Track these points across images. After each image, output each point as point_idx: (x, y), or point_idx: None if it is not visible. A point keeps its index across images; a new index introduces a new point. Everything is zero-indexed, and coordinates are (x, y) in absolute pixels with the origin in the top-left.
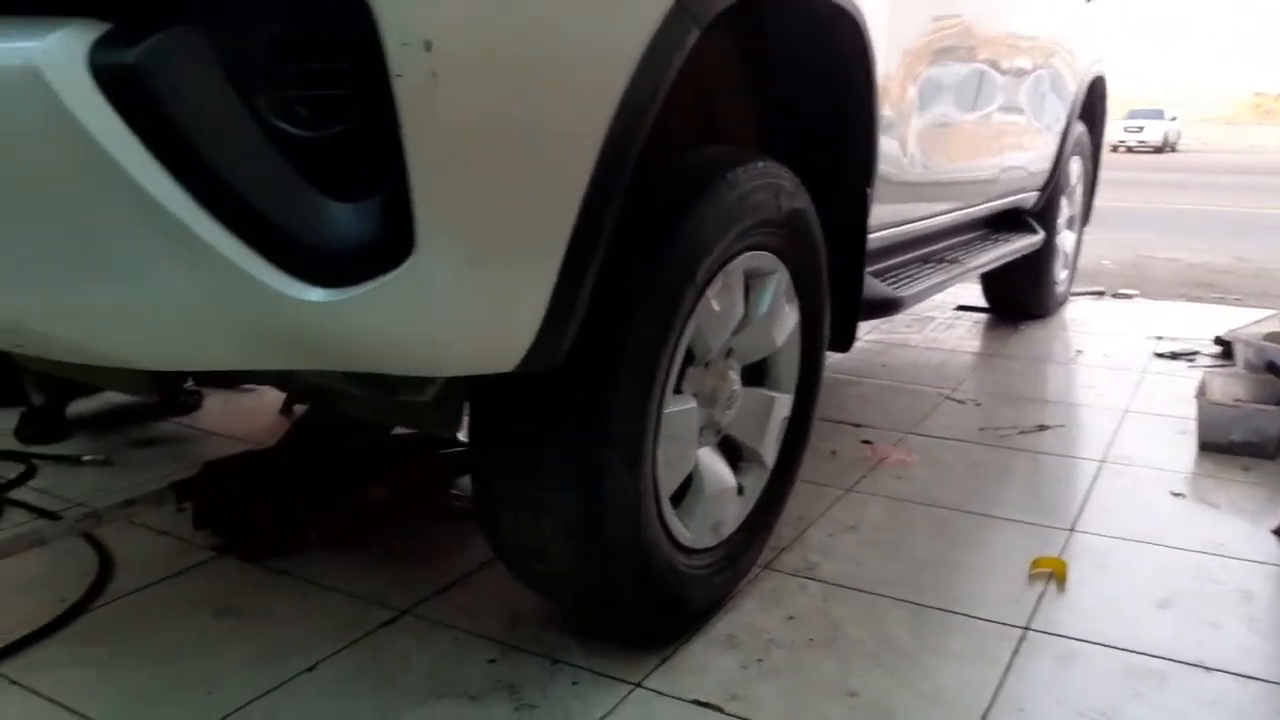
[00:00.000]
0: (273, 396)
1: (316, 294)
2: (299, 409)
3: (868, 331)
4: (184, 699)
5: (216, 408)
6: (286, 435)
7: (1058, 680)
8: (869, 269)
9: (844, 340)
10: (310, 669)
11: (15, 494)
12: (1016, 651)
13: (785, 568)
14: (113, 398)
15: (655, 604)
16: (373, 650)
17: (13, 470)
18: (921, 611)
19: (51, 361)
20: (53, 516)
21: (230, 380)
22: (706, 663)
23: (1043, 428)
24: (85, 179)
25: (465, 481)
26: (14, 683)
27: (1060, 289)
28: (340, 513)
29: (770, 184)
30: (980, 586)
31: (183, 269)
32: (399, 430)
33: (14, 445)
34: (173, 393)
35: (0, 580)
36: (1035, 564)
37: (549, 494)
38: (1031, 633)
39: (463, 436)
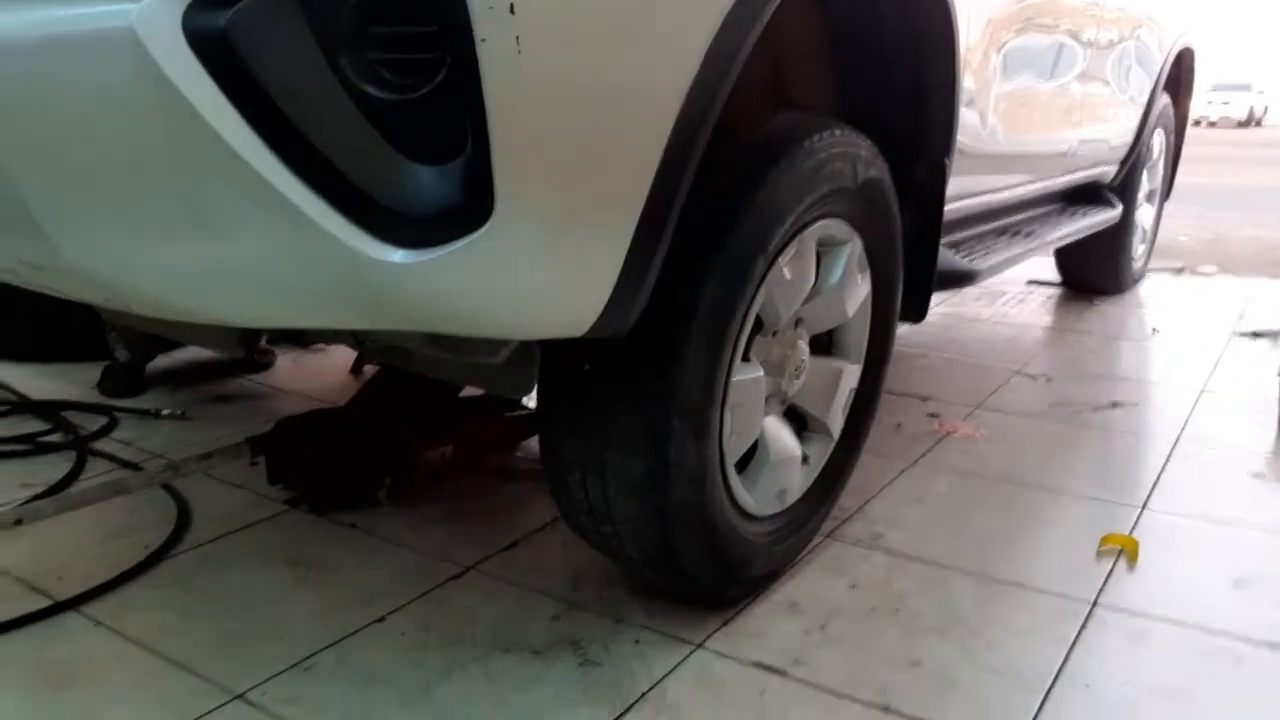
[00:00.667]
0: (342, 357)
1: (398, 255)
2: (368, 369)
3: (937, 305)
4: (259, 644)
5: (288, 367)
6: (357, 395)
7: (1127, 658)
8: (944, 240)
9: (917, 312)
10: (380, 620)
11: (98, 445)
12: (1084, 627)
13: (848, 538)
14: (190, 355)
15: (718, 568)
16: (439, 604)
17: (95, 422)
18: (987, 584)
19: (138, 316)
20: (134, 467)
21: (304, 340)
22: (769, 627)
23: (1116, 405)
24: (178, 139)
25: (529, 444)
26: (100, 624)
27: (1137, 265)
28: (408, 471)
29: (847, 152)
30: (1047, 562)
31: (269, 228)
32: (465, 393)
33: (96, 398)
34: (247, 351)
35: (85, 527)
36: (1105, 541)
37: (615, 457)
38: (1100, 609)
39: (529, 401)
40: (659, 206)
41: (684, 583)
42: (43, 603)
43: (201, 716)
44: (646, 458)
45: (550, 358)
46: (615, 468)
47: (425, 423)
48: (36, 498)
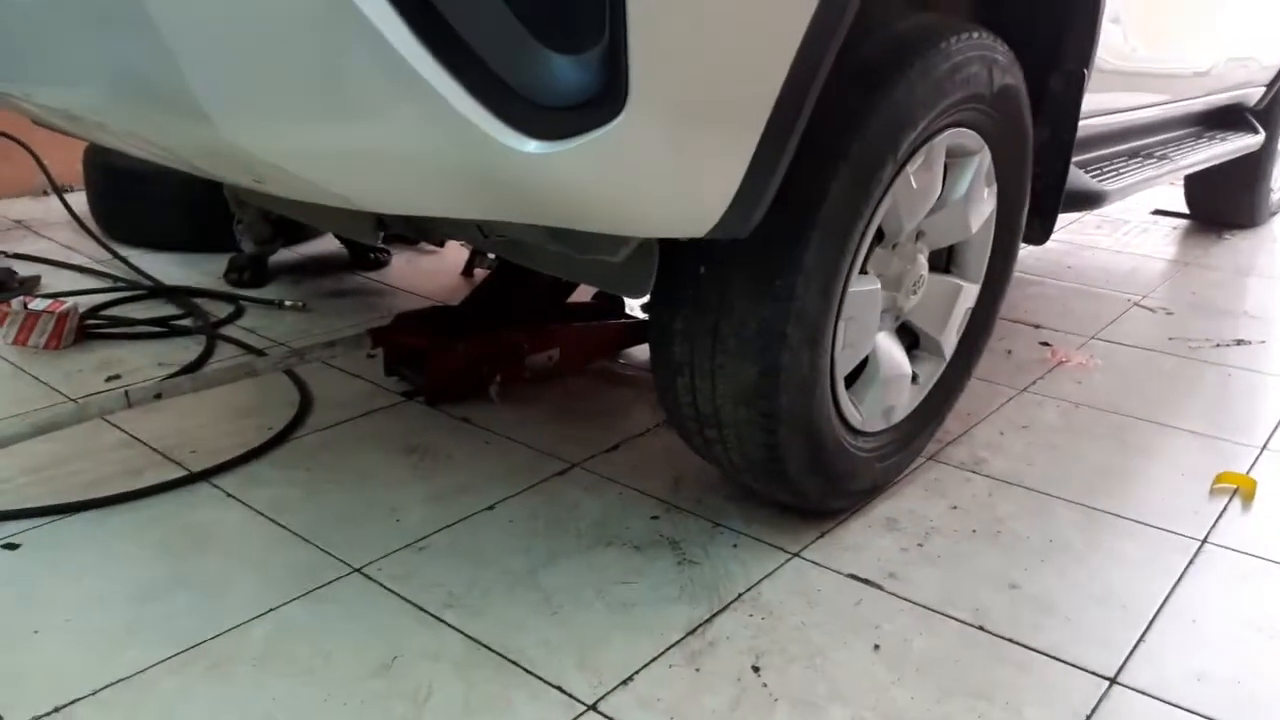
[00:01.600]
0: (454, 259)
1: (532, 145)
2: (478, 272)
3: (1057, 230)
4: (375, 523)
5: (402, 266)
6: (471, 296)
7: (1235, 596)
8: (1073, 159)
9: (1041, 232)
10: (490, 508)
11: (225, 331)
12: (1191, 563)
13: (951, 460)
14: (310, 250)
15: (821, 479)
16: (546, 497)
17: (223, 310)
18: (1092, 514)
19: (279, 200)
20: (259, 353)
21: (423, 237)
22: (866, 542)
23: (1240, 342)
24: (326, 20)
25: (631, 351)
26: (230, 495)
27: (1276, 197)
28: (517, 371)
29: (984, 57)
30: (1158, 496)
31: (410, 113)
32: (572, 299)
33: (223, 288)
34: (363, 249)
35: (214, 406)
36: (1219, 479)
37: (727, 361)
38: (1210, 546)
39: (635, 309)
40: (790, 105)
41: (786, 491)
42: (178, 473)
43: (323, 586)
44: (758, 363)
45: (667, 259)
46: (726, 371)
47: (534, 326)
48: (173, 375)
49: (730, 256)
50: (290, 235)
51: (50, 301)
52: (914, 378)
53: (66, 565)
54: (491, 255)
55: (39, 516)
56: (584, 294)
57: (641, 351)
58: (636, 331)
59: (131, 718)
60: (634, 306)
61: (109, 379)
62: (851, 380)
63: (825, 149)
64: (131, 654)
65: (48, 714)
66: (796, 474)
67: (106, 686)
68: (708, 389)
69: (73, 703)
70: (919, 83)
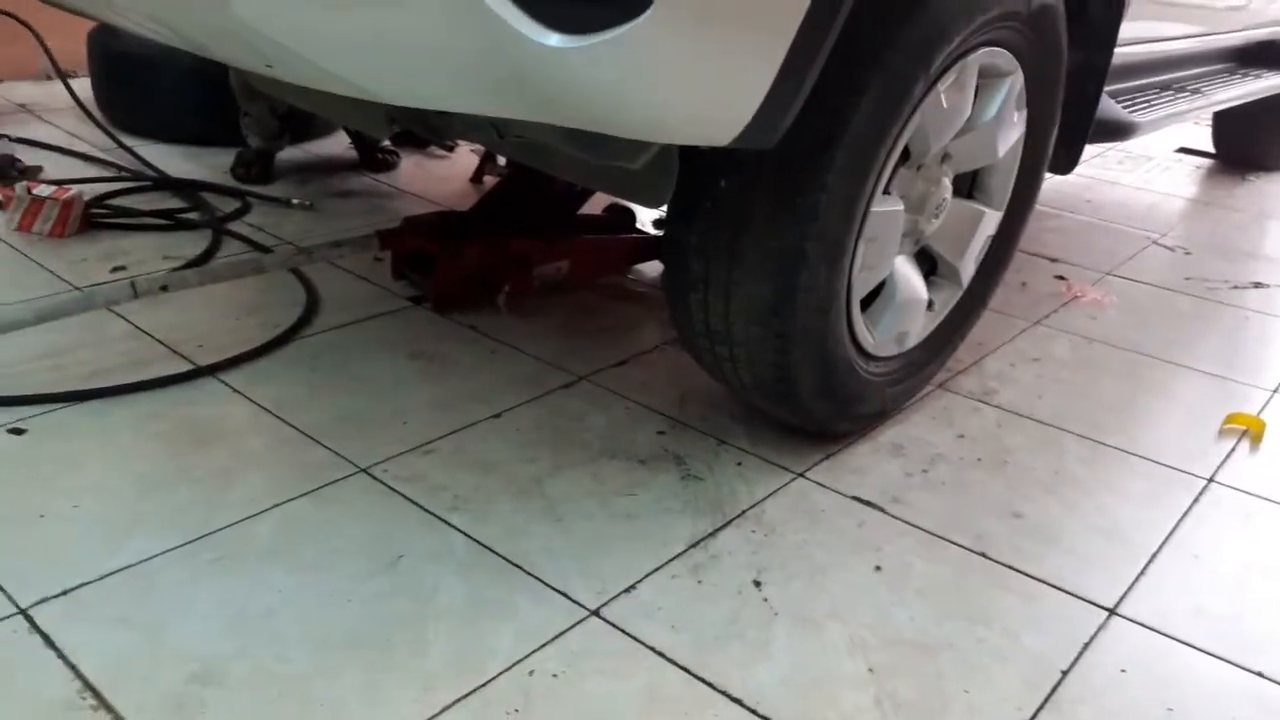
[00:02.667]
0: (463, 164)
1: (554, 39)
2: (488, 179)
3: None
4: (381, 425)
5: (411, 169)
6: (480, 202)
7: (1238, 534)
8: (1105, 88)
9: (1066, 162)
10: (496, 416)
11: (232, 227)
12: (1197, 501)
13: (960, 390)
14: (317, 149)
15: (830, 401)
16: (552, 408)
17: (229, 205)
18: (1099, 449)
19: (287, 88)
20: (266, 250)
21: (438, 134)
22: (871, 465)
23: (1258, 285)
24: None
25: (643, 268)
26: (235, 390)
27: None
28: (526, 281)
29: None
30: (1166, 434)
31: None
32: (583, 211)
33: (229, 183)
34: (372, 150)
35: (220, 302)
36: (1229, 419)
37: (742, 278)
38: (1216, 485)
39: (648, 226)
40: (824, 10)
41: (794, 412)
42: (184, 367)
43: (329, 484)
44: (775, 281)
45: (686, 171)
46: (741, 288)
47: (544, 236)
48: (180, 269)
49: (752, 170)
50: (298, 133)
51: (55, 188)
52: (930, 304)
53: (72, 453)
54: (502, 162)
55: (45, 403)
56: (595, 206)
57: (651, 268)
58: (648, 247)
59: (138, 604)
60: (645, 222)
61: (114, 269)
62: (866, 303)
63: (857, 61)
64: (137, 542)
65: (55, 596)
66: (806, 395)
67: (113, 573)
68: (721, 306)
69: (80, 586)
70: None
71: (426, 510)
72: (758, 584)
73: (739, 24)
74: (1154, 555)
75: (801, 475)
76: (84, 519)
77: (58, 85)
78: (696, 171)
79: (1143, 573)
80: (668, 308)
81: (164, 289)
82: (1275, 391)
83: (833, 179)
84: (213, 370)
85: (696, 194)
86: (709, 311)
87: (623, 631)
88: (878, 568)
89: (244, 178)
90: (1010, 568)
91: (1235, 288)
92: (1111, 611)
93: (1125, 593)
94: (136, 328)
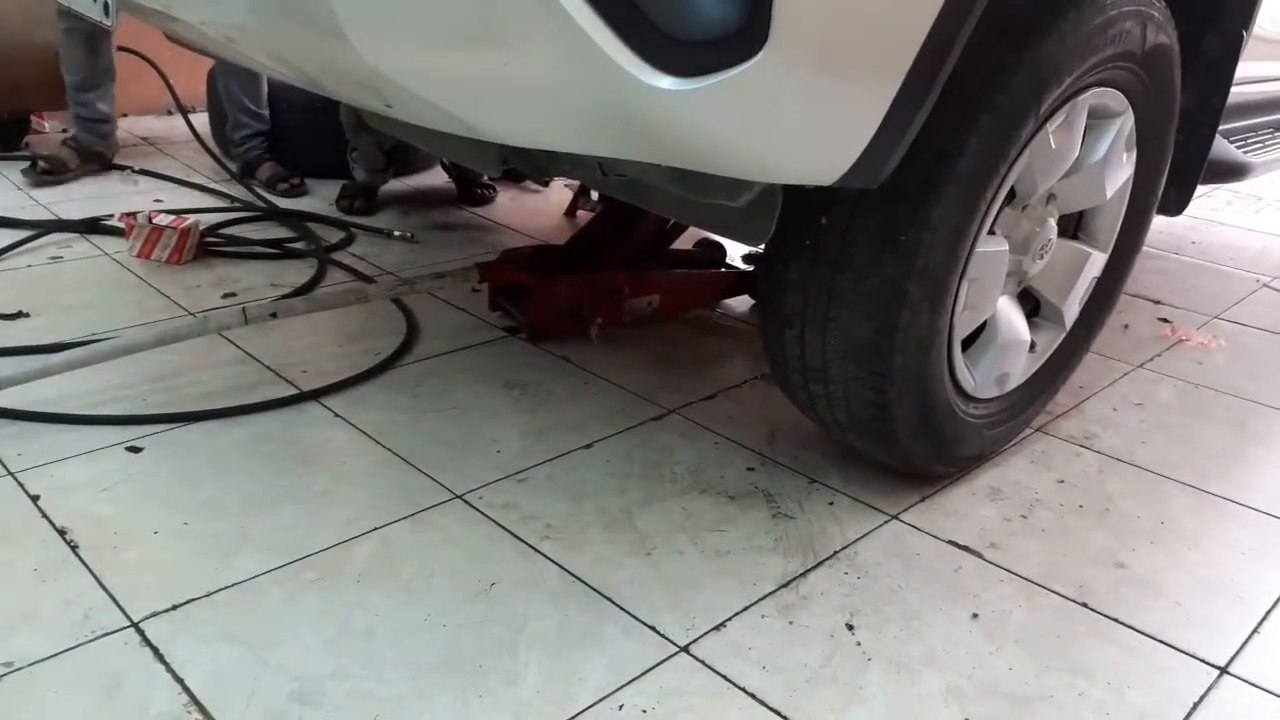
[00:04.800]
0: (558, 199)
1: (666, 82)
2: (582, 214)
3: None
4: (476, 452)
5: (507, 203)
6: (576, 236)
7: None
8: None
9: (1176, 203)
10: (588, 446)
11: (336, 257)
12: None
13: (1060, 433)
14: (418, 183)
15: (928, 442)
16: (642, 440)
17: (334, 236)
18: (1206, 499)
19: (402, 127)
20: (369, 280)
21: (543, 171)
22: (968, 509)
23: None
24: None
25: (731, 302)
26: (338, 415)
27: None
28: (618, 313)
29: (1139, 12)
30: (1277, 485)
31: (545, 42)
32: (675, 246)
33: (335, 214)
34: (471, 184)
35: (324, 329)
36: None
37: (841, 315)
38: None
39: (737, 261)
40: (934, 53)
41: (890, 453)
42: (290, 391)
43: (426, 509)
44: (875, 319)
45: (788, 206)
46: (840, 325)
47: (636, 270)
48: (288, 296)
49: (855, 207)
50: (400, 166)
51: (173, 218)
52: (1031, 345)
53: (185, 472)
54: (595, 196)
55: (161, 423)
56: (686, 242)
57: (740, 303)
58: (737, 282)
59: (242, 621)
60: (734, 257)
61: (225, 295)
62: (968, 343)
63: (966, 100)
64: (243, 561)
65: (165, 611)
66: (903, 436)
67: (220, 590)
68: (818, 343)
69: (189, 602)
70: (1069, 36)
71: (519, 538)
72: (850, 627)
73: (849, 65)
74: (1268, 613)
75: (895, 518)
76: (195, 536)
77: (179, 119)
78: (797, 208)
79: (1256, 630)
80: (763, 343)
81: (273, 316)
82: None
83: (937, 218)
84: (316, 395)
85: (796, 231)
86: (805, 348)
87: (712, 669)
88: (975, 615)
89: (349, 209)
90: (1113, 619)
91: None
92: (1223, 670)
93: (1237, 651)
94: (245, 352)
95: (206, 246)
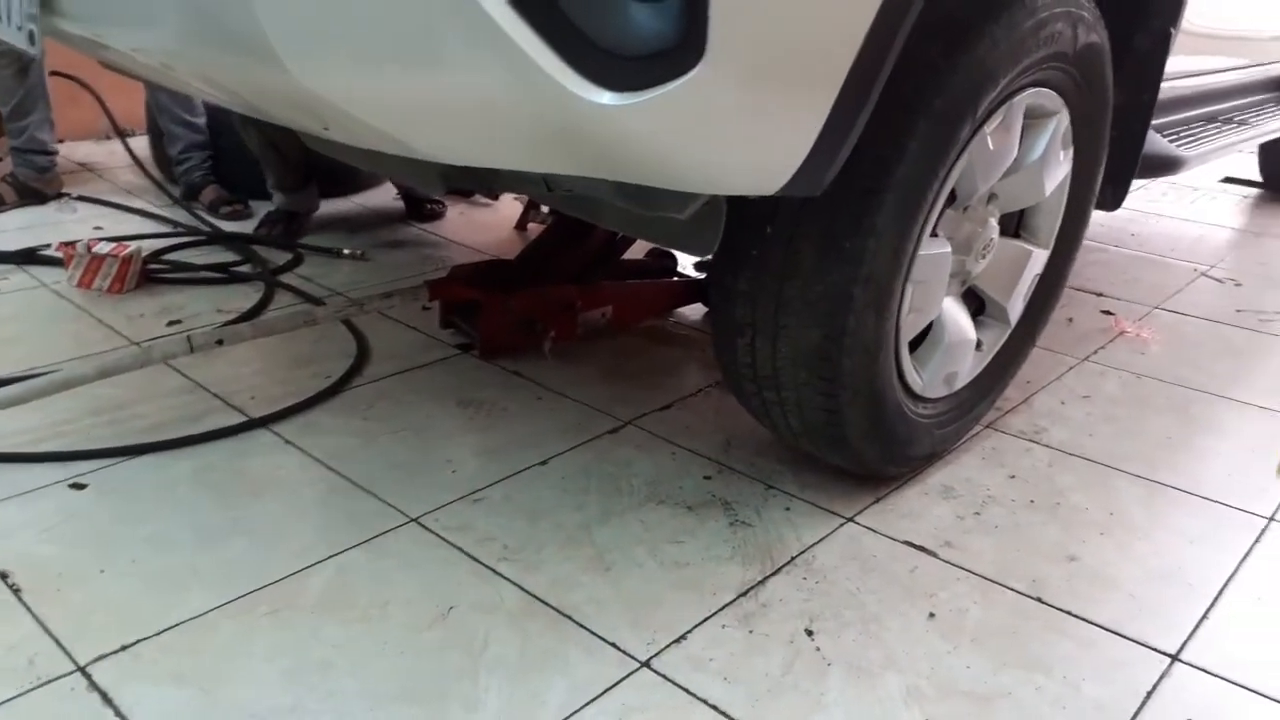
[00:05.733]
0: (507, 212)
1: (606, 97)
2: (532, 227)
3: None
4: (431, 474)
5: (456, 219)
6: (526, 251)
7: None
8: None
9: (1113, 198)
10: (543, 463)
11: (283, 279)
12: (1258, 541)
13: (1010, 429)
14: (365, 201)
15: (879, 445)
16: (598, 454)
17: (282, 258)
18: (1155, 489)
19: (344, 149)
20: (318, 302)
21: (488, 187)
22: (921, 509)
23: None
24: None
25: (685, 311)
26: (288, 442)
27: None
28: (571, 327)
29: (1070, 13)
30: (1223, 472)
31: (483, 61)
32: (628, 256)
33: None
34: (419, 200)
35: (273, 354)
36: None
37: (790, 324)
38: (1277, 525)
39: (689, 270)
40: (870, 61)
41: (844, 456)
42: (238, 419)
43: (381, 535)
44: (823, 326)
45: (733, 217)
46: (789, 334)
47: (588, 282)
48: (234, 322)
49: (799, 215)
50: (348, 184)
51: (114, 245)
52: (978, 344)
53: (131, 507)
54: (546, 210)
55: (104, 458)
56: (637, 251)
57: (693, 311)
58: (689, 291)
59: (194, 659)
60: (686, 266)
61: (170, 323)
62: (915, 344)
63: (904, 106)
64: (193, 597)
65: (114, 652)
66: (856, 439)
67: (170, 628)
68: (768, 351)
69: (137, 642)
70: (1002, 39)
71: (477, 560)
72: (810, 633)
73: (786, 77)
74: (1216, 599)
75: (851, 520)
76: (143, 573)
77: (117, 144)
78: (743, 219)
79: (1205, 617)
80: (714, 352)
81: (219, 343)
82: None
83: (880, 224)
84: (266, 422)
85: (743, 241)
86: (756, 357)
87: (674, 684)
88: (932, 615)
89: (267, 236)
90: (1068, 613)
91: None
92: (1174, 658)
93: (1188, 638)
94: (192, 381)
95: (149, 273)
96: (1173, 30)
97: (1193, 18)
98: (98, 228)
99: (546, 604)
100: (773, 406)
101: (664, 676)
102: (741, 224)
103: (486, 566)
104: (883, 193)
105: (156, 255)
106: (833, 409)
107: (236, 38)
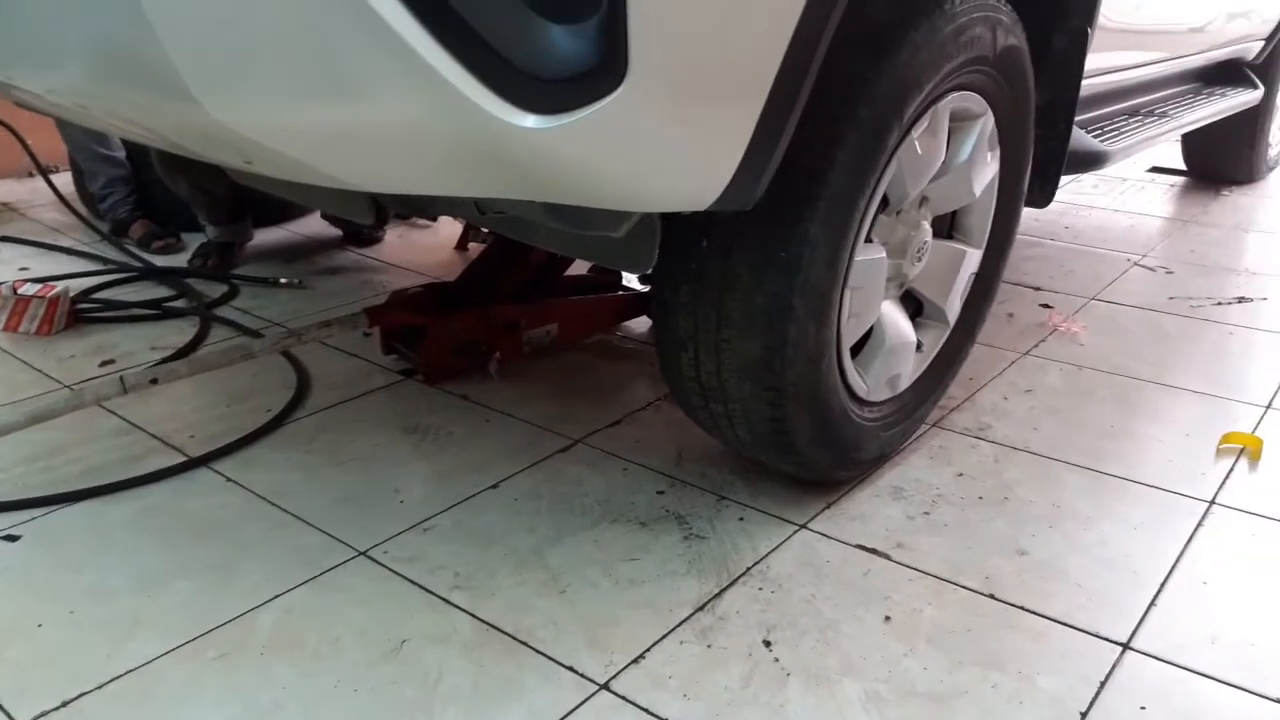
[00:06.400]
0: (448, 233)
1: (530, 120)
2: (473, 246)
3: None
4: (378, 505)
5: (395, 242)
6: (466, 271)
7: (1245, 556)
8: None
9: (1043, 195)
10: (494, 486)
11: (219, 312)
12: (1201, 525)
13: (955, 427)
14: (301, 228)
15: (827, 451)
16: (549, 474)
17: (217, 290)
18: (1099, 479)
19: (270, 181)
20: (255, 334)
21: (420, 212)
22: (873, 511)
23: (1242, 300)
24: None
25: (632, 324)
26: (230, 480)
27: (1274, 151)
28: (516, 346)
29: (988, 17)
30: (1164, 458)
31: (404, 90)
32: (569, 272)
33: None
34: (356, 225)
35: (211, 390)
36: (1226, 439)
37: (732, 335)
38: (1218, 508)
39: (632, 281)
40: (793, 74)
41: (793, 464)
42: (177, 458)
43: (329, 570)
44: (764, 337)
45: (670, 233)
46: (731, 346)
47: (531, 300)
48: (169, 359)
49: (734, 228)
50: (281, 212)
51: (40, 286)
52: (919, 345)
53: (68, 556)
54: (486, 229)
55: (38, 507)
56: (581, 266)
57: (640, 324)
58: (635, 304)
59: (139, 711)
60: (631, 279)
61: (103, 364)
62: (856, 350)
63: (831, 117)
64: (137, 645)
65: (55, 709)
66: (803, 446)
67: (113, 680)
68: (712, 364)
69: (79, 696)
70: (924, 45)
71: (428, 591)
72: (768, 644)
73: (710, 94)
74: (1163, 585)
75: (804, 526)
76: (83, 624)
77: (40, 181)
78: (680, 233)
79: (1153, 604)
80: (661, 367)
81: (154, 382)
82: (1268, 407)
83: (815, 232)
84: (206, 460)
85: (681, 256)
86: (701, 370)
87: (634, 704)
88: (887, 618)
89: (201, 268)
90: (1020, 608)
91: (1219, 304)
92: (1125, 646)
93: (1137, 626)
94: (128, 422)
95: (79, 313)
96: (1090, 29)
97: (1109, 15)
98: (23, 268)
99: (501, 631)
100: (720, 419)
101: (623, 698)
102: (678, 238)
103: (438, 596)
104: (816, 202)
105: (86, 294)
106: (779, 418)
107: (148, 75)
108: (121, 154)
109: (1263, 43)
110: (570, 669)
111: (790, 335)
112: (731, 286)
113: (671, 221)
